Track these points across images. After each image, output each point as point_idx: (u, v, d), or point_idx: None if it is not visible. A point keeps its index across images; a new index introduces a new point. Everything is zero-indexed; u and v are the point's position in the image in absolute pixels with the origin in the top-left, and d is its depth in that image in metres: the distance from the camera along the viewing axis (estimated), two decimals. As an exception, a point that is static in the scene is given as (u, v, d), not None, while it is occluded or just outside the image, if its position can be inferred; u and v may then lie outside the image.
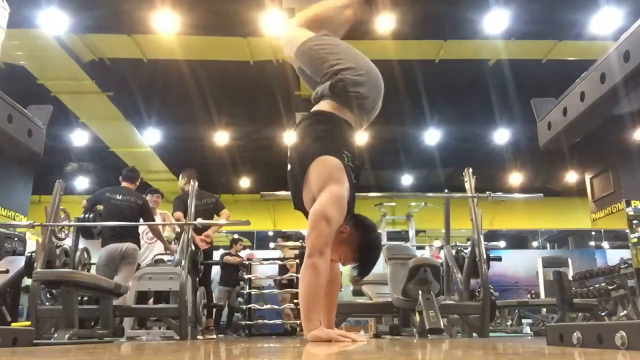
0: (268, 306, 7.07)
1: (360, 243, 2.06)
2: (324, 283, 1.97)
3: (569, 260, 11.85)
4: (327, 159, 2.03)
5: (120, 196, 5.11)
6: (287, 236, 8.99)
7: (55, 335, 3.69)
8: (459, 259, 4.86)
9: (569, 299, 5.76)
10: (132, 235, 5.06)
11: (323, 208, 1.95)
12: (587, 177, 9.04)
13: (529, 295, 11.21)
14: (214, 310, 6.51)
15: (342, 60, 2.21)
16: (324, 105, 2.22)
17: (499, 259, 5.24)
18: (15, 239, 6.77)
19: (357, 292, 5.73)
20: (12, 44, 7.02)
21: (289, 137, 2.25)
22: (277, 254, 8.09)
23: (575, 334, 1.64)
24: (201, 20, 6.95)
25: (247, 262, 7.81)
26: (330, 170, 2.02)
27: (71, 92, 8.67)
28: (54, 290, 5.27)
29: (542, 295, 11.04)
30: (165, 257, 6.29)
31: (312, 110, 2.25)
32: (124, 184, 5.29)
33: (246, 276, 7.48)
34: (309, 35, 2.30)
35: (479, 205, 4.56)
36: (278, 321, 7.16)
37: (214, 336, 5.68)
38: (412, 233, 8.41)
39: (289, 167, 2.20)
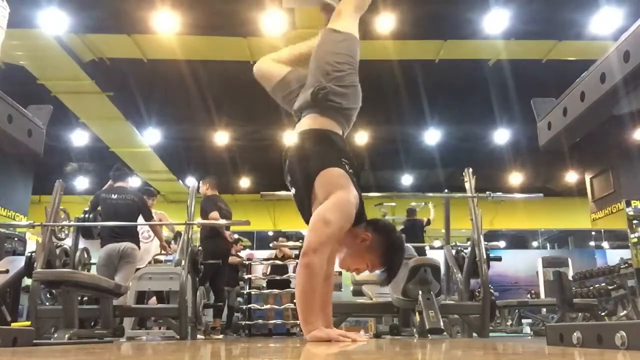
0: (268, 306, 7.07)
1: (385, 246, 2.06)
2: (319, 283, 1.97)
3: (569, 260, 11.85)
4: (330, 170, 2.06)
5: (116, 195, 5.09)
6: (287, 236, 9.00)
7: (55, 335, 3.70)
8: (459, 259, 4.86)
9: (569, 299, 5.75)
10: (130, 234, 5.04)
11: (323, 211, 1.97)
12: (587, 177, 9.05)
13: (529, 295, 11.21)
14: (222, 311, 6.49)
15: (339, 67, 2.23)
16: (308, 123, 2.22)
17: (499, 259, 5.24)
18: (15, 239, 6.78)
19: (357, 292, 5.73)
20: (12, 44, 7.03)
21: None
22: (272, 253, 8.09)
23: (575, 334, 1.64)
24: (201, 20, 6.95)
25: (247, 262, 7.81)
26: (335, 180, 2.04)
27: (71, 92, 8.68)
28: (54, 290, 5.26)
29: (542, 295, 11.05)
30: (163, 258, 6.29)
31: (299, 132, 2.24)
32: (118, 183, 5.27)
33: (246, 276, 7.48)
34: (352, 32, 2.35)
35: (479, 205, 4.57)
36: (278, 321, 7.15)
37: (220, 336, 5.68)
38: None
39: (293, 190, 2.20)
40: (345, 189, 2.01)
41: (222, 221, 5.87)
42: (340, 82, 2.22)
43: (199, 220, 4.86)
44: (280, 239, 8.23)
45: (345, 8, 2.41)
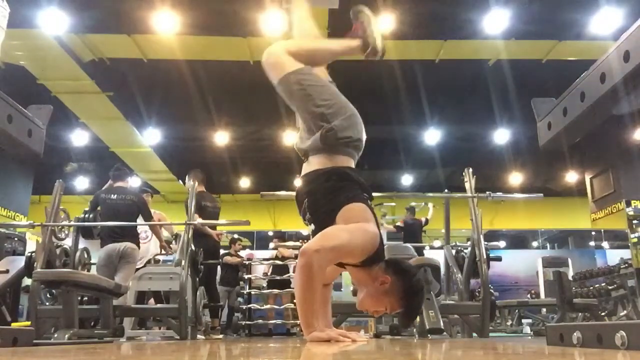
0: (268, 306, 7.07)
1: (404, 290, 2.01)
2: (320, 284, 1.97)
3: (569, 260, 11.84)
4: (354, 205, 2.04)
5: (115, 195, 5.07)
6: (283, 237, 9.01)
7: (55, 335, 3.69)
8: (459, 259, 4.86)
9: (569, 299, 5.74)
10: (130, 234, 5.02)
11: (336, 227, 1.95)
12: (587, 177, 9.04)
13: (529, 295, 11.21)
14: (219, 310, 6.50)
15: (327, 102, 2.17)
16: (323, 162, 2.17)
17: (499, 259, 5.24)
18: (15, 239, 6.77)
19: (357, 292, 5.72)
20: (12, 44, 7.02)
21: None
22: (273, 253, 8.10)
23: (575, 334, 1.64)
24: (201, 20, 6.95)
25: (247, 262, 7.81)
26: (358, 213, 2.02)
27: (71, 92, 8.67)
28: (54, 290, 5.26)
29: (542, 295, 11.03)
30: (162, 257, 6.28)
31: (317, 171, 2.17)
32: (117, 183, 5.26)
33: (246, 276, 7.48)
34: (297, 67, 2.19)
35: (479, 205, 4.57)
36: (278, 321, 7.15)
37: (220, 336, 5.68)
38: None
39: (312, 227, 2.14)
40: (367, 222, 1.99)
41: (222, 221, 5.89)
42: (339, 116, 2.16)
43: (199, 220, 4.85)
44: (275, 240, 8.22)
45: (276, 50, 2.23)
